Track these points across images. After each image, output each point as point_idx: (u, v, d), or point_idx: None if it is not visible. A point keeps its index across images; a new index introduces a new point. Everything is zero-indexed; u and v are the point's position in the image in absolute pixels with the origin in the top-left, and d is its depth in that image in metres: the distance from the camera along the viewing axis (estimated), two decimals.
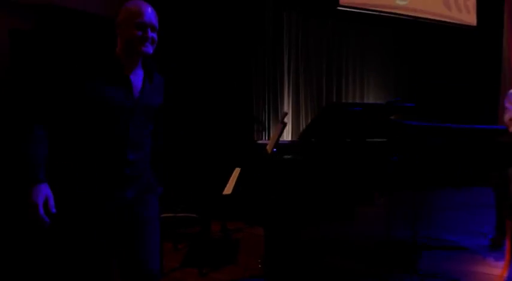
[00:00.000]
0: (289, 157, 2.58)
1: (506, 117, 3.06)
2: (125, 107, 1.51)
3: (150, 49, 1.52)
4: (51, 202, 1.43)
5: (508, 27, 7.00)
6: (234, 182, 2.46)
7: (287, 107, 5.82)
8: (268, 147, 2.69)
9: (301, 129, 5.80)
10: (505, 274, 2.54)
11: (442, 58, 6.86)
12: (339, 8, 5.55)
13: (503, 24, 7.02)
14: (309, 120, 5.69)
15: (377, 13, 5.95)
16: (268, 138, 5.09)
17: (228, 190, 2.44)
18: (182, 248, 3.24)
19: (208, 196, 2.91)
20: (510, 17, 6.99)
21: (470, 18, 6.87)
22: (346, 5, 5.60)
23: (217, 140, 4.33)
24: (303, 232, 2.90)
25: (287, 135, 5.67)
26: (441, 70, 6.84)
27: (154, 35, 1.53)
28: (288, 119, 5.76)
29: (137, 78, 1.57)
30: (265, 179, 2.32)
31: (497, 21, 7.03)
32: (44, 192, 1.42)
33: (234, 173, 2.53)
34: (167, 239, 3.22)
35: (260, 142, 3.15)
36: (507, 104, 3.10)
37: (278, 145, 2.61)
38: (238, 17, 5.14)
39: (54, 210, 1.43)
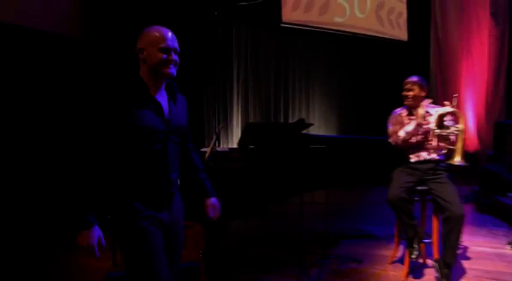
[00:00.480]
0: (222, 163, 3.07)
1: (394, 139, 2.89)
2: (161, 130, 1.61)
3: (174, 71, 1.62)
4: (103, 241, 1.59)
5: (434, 43, 7.87)
6: None
7: (236, 115, 6.30)
8: (206, 155, 3.17)
9: None
10: (396, 254, 3.15)
11: (378, 70, 7.56)
12: (281, 25, 6.10)
13: (430, 40, 7.89)
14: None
15: (317, 29, 6.56)
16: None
17: None
18: None
19: None
20: (436, 34, 7.86)
21: (401, 34, 7.64)
22: (288, 21, 6.16)
23: None
24: (238, 226, 3.40)
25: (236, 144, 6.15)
26: (377, 81, 7.55)
27: (177, 58, 1.64)
28: (237, 128, 6.24)
29: (163, 100, 1.65)
30: None
31: (425, 37, 7.87)
32: (97, 234, 1.57)
33: None
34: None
35: (202, 149, 3.50)
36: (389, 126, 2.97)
37: (214, 153, 3.10)
38: (189, 30, 5.53)
39: (104, 245, 1.59)
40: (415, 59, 7.75)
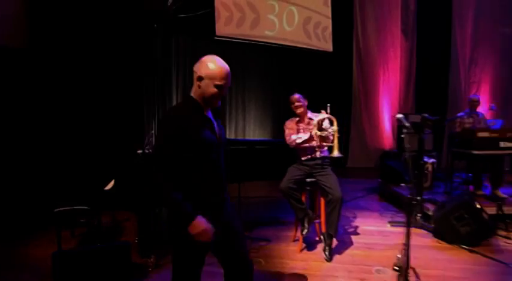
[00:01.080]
0: None
1: (288, 142, 3.58)
2: (215, 143, 1.86)
3: (219, 103, 1.89)
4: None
5: (356, 55, 8.87)
6: (113, 182, 3.49)
7: None
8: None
9: None
10: (297, 234, 3.89)
11: (308, 79, 8.32)
12: (215, 38, 6.73)
13: (353, 52, 8.89)
14: None
15: (250, 42, 7.26)
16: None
17: (108, 186, 3.47)
18: (78, 235, 4.10)
19: (98, 192, 3.78)
20: (358, 47, 8.87)
21: (327, 46, 8.51)
22: (221, 35, 6.79)
23: (109, 149, 5.24)
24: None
25: None
26: (308, 89, 8.33)
27: (226, 92, 1.89)
28: None
29: (211, 118, 1.92)
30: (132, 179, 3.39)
31: (349, 49, 8.85)
32: (203, 219, 1.78)
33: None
34: (66, 228, 4.03)
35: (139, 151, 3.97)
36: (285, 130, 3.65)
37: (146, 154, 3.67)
38: (130, 41, 6.01)
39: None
40: (340, 68, 8.72)
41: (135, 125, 6.02)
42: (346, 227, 4.38)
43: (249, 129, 8.26)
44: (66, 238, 3.89)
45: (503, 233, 4.03)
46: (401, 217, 4.65)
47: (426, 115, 4.47)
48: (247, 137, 8.29)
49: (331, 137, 3.39)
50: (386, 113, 8.84)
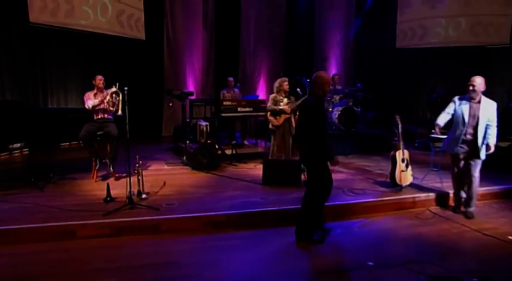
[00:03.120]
0: None
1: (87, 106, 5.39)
2: None
3: None
4: None
5: (166, 43, 10.71)
6: None
7: None
8: None
9: None
10: (95, 171, 5.62)
11: (125, 65, 9.51)
12: (30, 24, 7.67)
13: (164, 40, 10.71)
14: None
15: (66, 29, 8.38)
16: None
17: None
18: None
19: None
20: (167, 35, 10.72)
21: (140, 34, 10.15)
22: (35, 21, 7.76)
23: None
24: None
25: None
26: (125, 74, 9.53)
27: None
28: None
29: None
30: None
31: (160, 37, 10.63)
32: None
33: None
34: None
35: None
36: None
37: None
38: None
39: None
40: (153, 55, 10.44)
41: None
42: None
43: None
44: None
45: (234, 164, 6.58)
46: (175, 160, 6.90)
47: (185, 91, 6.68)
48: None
49: (116, 102, 5.23)
50: (194, 90, 11.00)
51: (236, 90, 7.98)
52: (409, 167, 5.12)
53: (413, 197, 4.96)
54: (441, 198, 5.05)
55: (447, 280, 3.15)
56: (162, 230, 4.06)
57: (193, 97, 8.39)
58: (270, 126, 6.12)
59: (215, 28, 11.09)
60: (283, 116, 5.98)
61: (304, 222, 3.82)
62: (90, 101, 5.36)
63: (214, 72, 11.17)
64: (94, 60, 9.22)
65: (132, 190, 4.46)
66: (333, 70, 11.42)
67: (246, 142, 7.54)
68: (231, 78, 7.96)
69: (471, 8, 10.65)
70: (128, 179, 4.45)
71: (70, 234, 3.86)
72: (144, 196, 4.67)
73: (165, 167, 6.49)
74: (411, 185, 5.23)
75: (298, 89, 6.25)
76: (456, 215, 4.70)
